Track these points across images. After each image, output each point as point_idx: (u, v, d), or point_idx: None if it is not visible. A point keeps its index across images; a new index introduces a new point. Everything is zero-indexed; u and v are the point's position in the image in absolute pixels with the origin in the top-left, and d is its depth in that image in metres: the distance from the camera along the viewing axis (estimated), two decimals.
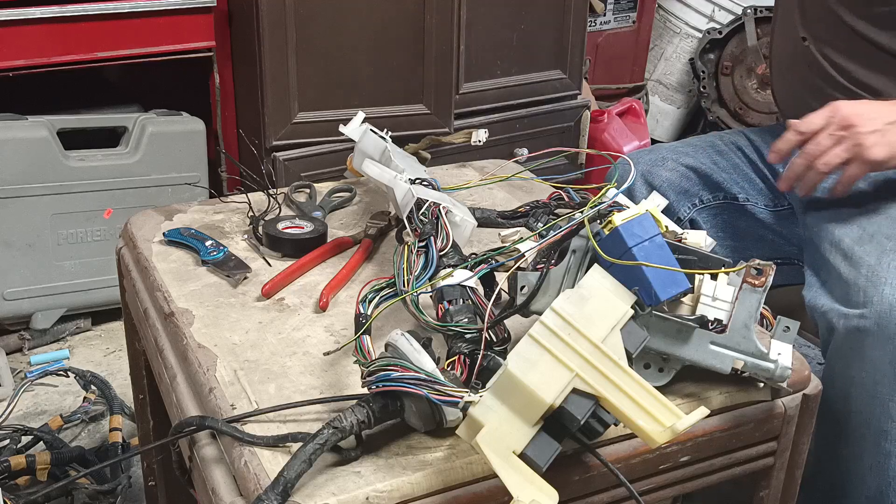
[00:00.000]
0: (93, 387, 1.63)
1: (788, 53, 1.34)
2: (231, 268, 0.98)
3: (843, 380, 1.03)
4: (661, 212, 0.82)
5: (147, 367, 1.08)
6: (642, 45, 3.03)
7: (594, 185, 0.88)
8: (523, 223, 1.00)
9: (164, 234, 1.05)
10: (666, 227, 0.81)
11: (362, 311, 0.81)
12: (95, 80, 2.05)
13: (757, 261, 0.77)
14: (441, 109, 2.07)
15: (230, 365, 0.82)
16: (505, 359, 0.65)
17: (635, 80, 3.06)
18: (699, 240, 0.80)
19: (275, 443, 0.71)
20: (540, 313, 0.68)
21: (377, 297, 0.84)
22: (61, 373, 1.67)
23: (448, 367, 0.74)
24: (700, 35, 3.03)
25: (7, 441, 1.48)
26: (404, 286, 0.83)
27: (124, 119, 1.87)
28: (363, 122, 1.13)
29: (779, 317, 0.79)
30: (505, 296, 0.81)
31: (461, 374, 0.73)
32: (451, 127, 2.10)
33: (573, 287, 0.71)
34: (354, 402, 0.70)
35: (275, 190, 1.15)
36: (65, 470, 1.42)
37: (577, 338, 0.66)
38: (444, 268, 0.85)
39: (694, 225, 1.35)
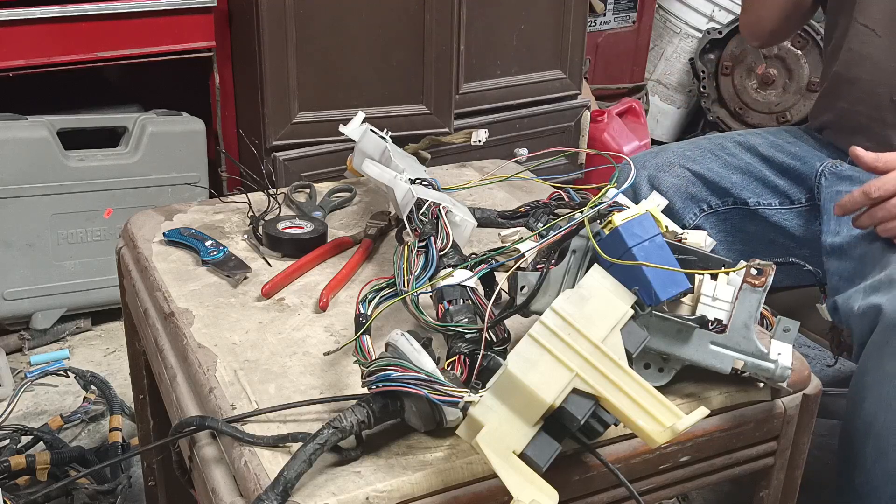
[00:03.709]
0: (93, 387, 1.63)
1: (867, 102, 1.27)
2: (231, 268, 0.98)
3: (876, 374, 1.02)
4: (667, 216, 0.82)
5: (147, 367, 1.08)
6: (642, 45, 3.03)
7: (594, 185, 0.88)
8: (523, 223, 1.00)
9: (164, 234, 1.05)
10: (666, 227, 0.81)
11: (362, 311, 0.81)
12: (95, 80, 2.05)
13: (757, 261, 0.77)
14: (441, 109, 2.07)
15: (230, 365, 0.82)
16: (505, 359, 0.65)
17: (635, 80, 3.06)
18: (699, 240, 0.80)
19: (275, 443, 0.71)
20: (540, 313, 0.68)
21: (377, 297, 0.84)
22: (61, 373, 1.67)
23: (448, 367, 0.74)
24: (700, 35, 3.03)
25: (7, 441, 1.48)
26: (404, 286, 0.83)
27: (124, 119, 1.87)
28: (363, 122, 1.13)
29: (779, 317, 0.79)
30: (505, 296, 0.81)
31: (461, 374, 0.73)
32: (451, 127, 2.10)
33: (573, 287, 0.71)
34: (354, 402, 0.70)
35: (275, 190, 1.15)
36: (65, 470, 1.42)
37: (577, 338, 0.66)
38: (444, 268, 0.85)
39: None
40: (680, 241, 0.79)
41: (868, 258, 1.11)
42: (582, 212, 0.80)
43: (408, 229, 0.90)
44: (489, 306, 0.77)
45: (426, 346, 0.71)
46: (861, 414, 1.04)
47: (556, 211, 1.00)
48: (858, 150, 1.13)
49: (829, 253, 1.20)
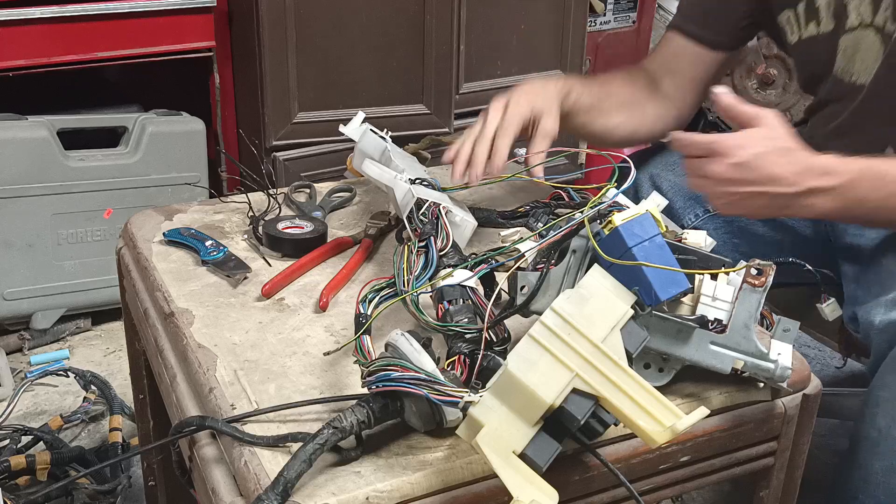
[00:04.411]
0: (93, 387, 1.63)
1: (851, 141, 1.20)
2: (231, 268, 0.98)
3: (892, 390, 0.99)
4: (666, 216, 0.82)
5: (147, 367, 1.08)
6: (642, 45, 3.03)
7: (594, 185, 0.88)
8: (523, 223, 1.00)
9: (164, 234, 1.05)
10: (666, 227, 0.81)
11: (362, 311, 0.81)
12: (95, 80, 2.05)
13: (757, 261, 0.77)
14: (441, 109, 2.07)
15: (230, 365, 0.82)
16: (505, 359, 0.65)
17: None
18: (699, 240, 0.80)
19: (275, 443, 0.71)
20: (540, 313, 0.68)
21: (377, 297, 0.84)
22: (61, 373, 1.67)
23: (448, 367, 0.74)
24: None
25: (7, 441, 1.48)
26: (404, 286, 0.83)
27: (124, 119, 1.87)
28: (363, 122, 1.13)
29: (779, 317, 0.79)
30: (505, 296, 0.81)
31: (461, 374, 0.73)
32: (451, 127, 2.10)
33: (573, 287, 0.71)
34: (354, 402, 0.70)
35: (275, 190, 1.15)
36: (65, 470, 1.42)
37: (577, 338, 0.66)
38: (444, 268, 0.85)
39: None
40: (680, 241, 0.79)
41: (889, 268, 1.10)
42: (582, 212, 0.80)
43: (408, 229, 0.90)
44: (489, 306, 0.77)
45: (426, 346, 0.71)
46: (872, 428, 1.02)
47: (556, 211, 1.00)
48: (721, 94, 0.96)
49: (845, 256, 1.18)
